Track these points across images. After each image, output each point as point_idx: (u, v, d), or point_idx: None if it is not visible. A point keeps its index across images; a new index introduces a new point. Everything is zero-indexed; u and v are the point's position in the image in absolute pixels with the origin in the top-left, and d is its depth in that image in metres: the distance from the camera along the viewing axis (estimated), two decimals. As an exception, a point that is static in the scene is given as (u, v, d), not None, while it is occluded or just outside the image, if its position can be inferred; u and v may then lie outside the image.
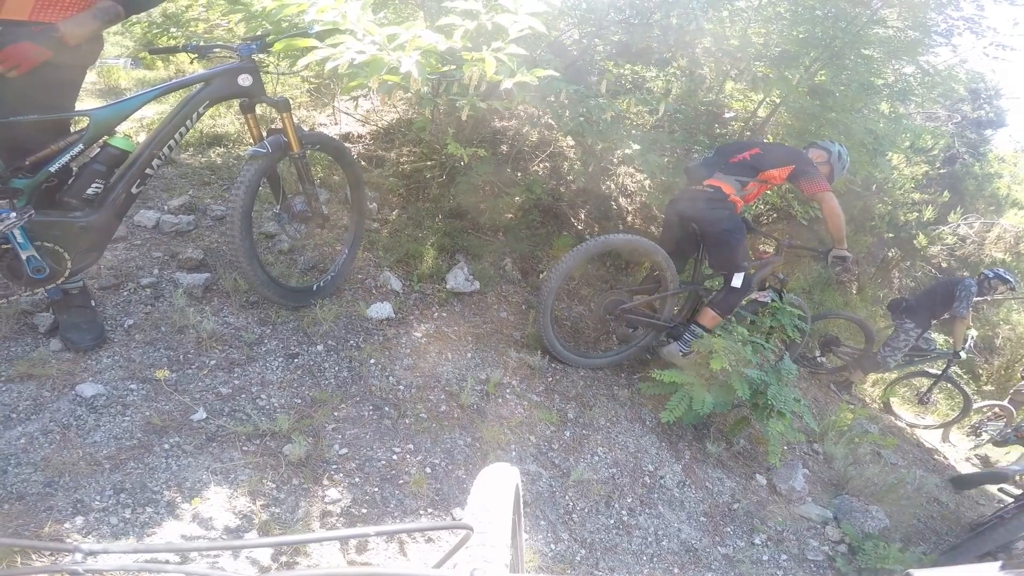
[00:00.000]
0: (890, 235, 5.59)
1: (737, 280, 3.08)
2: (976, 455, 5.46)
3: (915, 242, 5.79)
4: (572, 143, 4.39)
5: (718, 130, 4.18)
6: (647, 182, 4.31)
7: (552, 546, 2.10)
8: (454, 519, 1.98)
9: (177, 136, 2.08)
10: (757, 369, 2.90)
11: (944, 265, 6.21)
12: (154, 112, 3.75)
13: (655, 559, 2.26)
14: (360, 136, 4.14)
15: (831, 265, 3.35)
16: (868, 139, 4.01)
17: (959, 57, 4.49)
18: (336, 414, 2.21)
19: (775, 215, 5.07)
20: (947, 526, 3.57)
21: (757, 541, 2.62)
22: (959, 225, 6.48)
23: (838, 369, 5.20)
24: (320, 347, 2.47)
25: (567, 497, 2.34)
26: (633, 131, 3.62)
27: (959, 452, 5.35)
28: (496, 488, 0.89)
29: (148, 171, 2.05)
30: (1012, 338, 7.14)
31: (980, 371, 6.99)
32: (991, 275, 5.15)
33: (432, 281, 3.20)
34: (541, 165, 4.32)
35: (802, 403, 3.03)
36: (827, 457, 3.55)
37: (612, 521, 2.34)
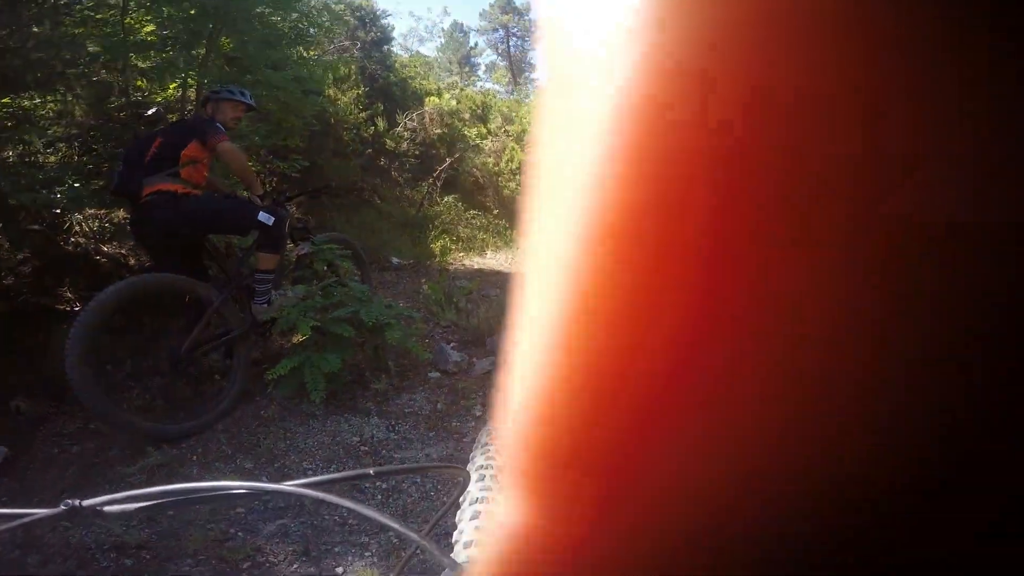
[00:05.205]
0: (369, 150, 6.38)
1: (265, 218, 2.82)
2: None
3: (387, 147, 6.83)
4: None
5: (146, 129, 3.68)
6: (114, 215, 3.63)
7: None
8: None
9: None
10: (342, 307, 2.91)
11: (418, 153, 7.55)
12: None
13: (439, 486, 2.23)
14: None
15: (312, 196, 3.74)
16: (296, 87, 4.26)
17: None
18: None
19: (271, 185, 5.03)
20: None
21: (478, 412, 2.80)
22: (406, 122, 7.86)
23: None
24: None
25: (324, 518, 2.06)
26: (39, 174, 2.90)
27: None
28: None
29: None
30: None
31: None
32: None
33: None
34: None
35: (394, 306, 3.23)
36: (454, 325, 3.98)
37: (381, 497, 2.20)
